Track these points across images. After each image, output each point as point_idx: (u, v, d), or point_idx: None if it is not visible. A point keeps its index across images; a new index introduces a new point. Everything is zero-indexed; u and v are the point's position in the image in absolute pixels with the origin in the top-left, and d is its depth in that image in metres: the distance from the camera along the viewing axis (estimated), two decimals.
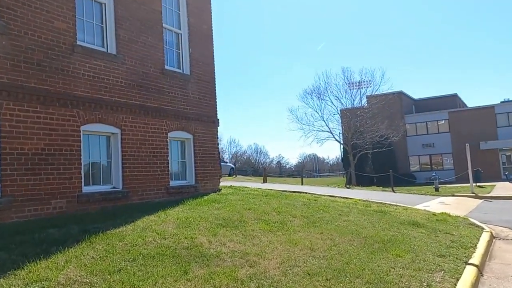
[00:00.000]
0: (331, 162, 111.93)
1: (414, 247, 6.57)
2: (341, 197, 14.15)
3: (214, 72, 11.45)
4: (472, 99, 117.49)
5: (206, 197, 9.41)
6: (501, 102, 39.96)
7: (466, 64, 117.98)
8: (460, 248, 7.05)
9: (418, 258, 5.93)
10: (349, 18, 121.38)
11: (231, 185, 14.31)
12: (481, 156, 35.50)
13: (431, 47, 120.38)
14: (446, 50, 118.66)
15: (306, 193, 14.60)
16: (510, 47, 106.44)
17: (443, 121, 40.78)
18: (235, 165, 31.98)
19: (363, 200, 13.40)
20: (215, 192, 10.51)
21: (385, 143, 35.15)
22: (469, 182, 21.06)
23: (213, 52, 11.48)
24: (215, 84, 11.43)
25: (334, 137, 36.74)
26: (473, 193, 19.37)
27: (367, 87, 36.85)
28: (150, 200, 8.87)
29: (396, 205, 12.72)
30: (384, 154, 37.20)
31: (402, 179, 29.81)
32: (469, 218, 10.99)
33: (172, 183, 9.68)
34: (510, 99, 40.17)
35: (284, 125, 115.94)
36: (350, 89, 36.20)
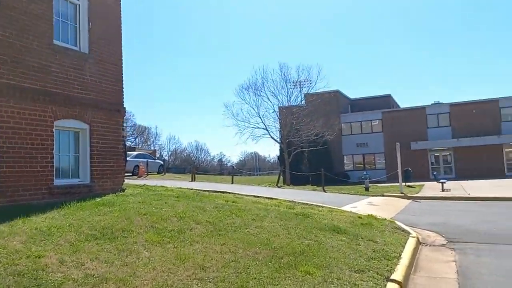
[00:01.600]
0: (272, 160, 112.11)
1: (330, 260, 5.55)
2: (266, 197, 13.13)
3: (121, 53, 9.94)
4: (405, 101, 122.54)
5: (98, 199, 7.92)
6: (432, 104, 41.19)
7: (400, 67, 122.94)
8: (382, 259, 6.16)
9: (331, 276, 4.90)
10: (289, 17, 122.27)
11: (144, 184, 12.83)
12: (411, 156, 36.26)
13: (367, 49, 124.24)
14: (381, 52, 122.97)
15: (229, 193, 13.43)
16: (442, 52, 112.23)
17: (377, 121, 41.38)
18: (164, 162, 30.15)
19: (289, 201, 12.46)
20: (115, 193, 9.03)
21: (320, 142, 34.85)
22: (399, 181, 20.95)
23: (121, 29, 9.97)
24: (122, 67, 9.93)
25: (269, 135, 35.93)
26: (402, 193, 19.20)
27: (303, 87, 36.34)
28: (25, 202, 7.25)
29: (323, 207, 11.88)
30: (319, 153, 36.98)
31: (336, 178, 29.60)
32: (396, 221, 10.32)
33: (58, 181, 8.09)
34: (440, 102, 41.49)
35: (219, 121, 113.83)
36: (287, 86, 35.50)
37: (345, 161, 42.28)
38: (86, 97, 8.77)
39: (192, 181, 22.79)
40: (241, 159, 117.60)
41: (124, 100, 9.93)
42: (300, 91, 36.46)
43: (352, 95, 46.75)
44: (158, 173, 28.62)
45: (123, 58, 9.91)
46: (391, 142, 34.23)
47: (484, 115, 37.14)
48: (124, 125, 9.52)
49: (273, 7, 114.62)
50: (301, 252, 5.73)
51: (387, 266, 5.85)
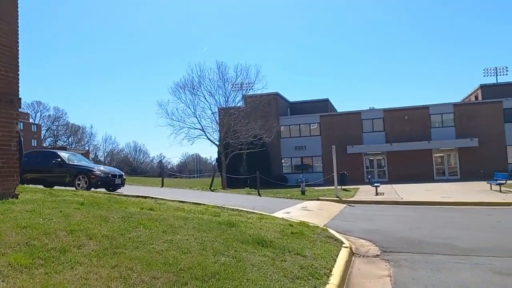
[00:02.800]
0: (214, 162, 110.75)
1: (247, 285, 4.57)
2: (193, 202, 12.00)
3: (17, 34, 8.41)
4: (342, 106, 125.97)
5: None
6: (367, 109, 41.96)
7: (337, 72, 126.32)
8: (310, 278, 5.29)
9: None
10: (228, 19, 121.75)
11: (50, 189, 11.24)
12: (348, 160, 36.62)
13: (306, 52, 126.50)
14: (320, 58, 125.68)
15: (152, 198, 12.14)
16: (376, 58, 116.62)
17: (315, 124, 41.49)
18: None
19: (217, 207, 11.42)
20: (5, 199, 7.50)
21: (258, 144, 34.16)
22: (335, 185, 20.60)
23: (17, 6, 8.43)
24: (17, 50, 8.39)
25: (206, 135, 34.61)
26: (337, 197, 18.83)
27: (241, 89, 35.38)
28: None
29: (253, 213, 10.96)
30: (258, 155, 36.33)
31: (274, 181, 29.01)
32: (329, 229, 9.61)
33: None
34: (375, 107, 42.38)
35: (152, 121, 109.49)
36: (224, 85, 34.41)
37: (283, 164, 42.00)
38: None
39: None
40: (182, 161, 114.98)
41: (20, 90, 8.39)
42: (238, 92, 35.54)
43: (291, 99, 46.68)
44: None
45: (19, 40, 8.38)
46: (328, 146, 34.18)
47: (415, 121, 38.37)
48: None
49: (207, 3, 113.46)
50: (212, 275, 4.69)
51: (315, 287, 4.98)
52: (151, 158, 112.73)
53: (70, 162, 16.01)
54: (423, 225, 11.26)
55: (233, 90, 35.25)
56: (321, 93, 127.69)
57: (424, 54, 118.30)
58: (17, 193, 8.26)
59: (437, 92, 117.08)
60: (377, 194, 20.78)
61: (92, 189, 14.76)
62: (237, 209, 11.32)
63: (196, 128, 34.92)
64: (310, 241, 7.72)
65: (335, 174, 20.54)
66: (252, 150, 34.34)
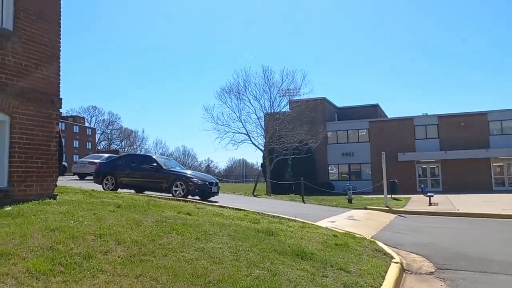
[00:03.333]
0: (259, 168, 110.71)
1: None
2: (233, 208, 11.61)
3: (60, 34, 8.40)
4: (392, 112, 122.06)
5: (8, 208, 6.34)
6: (420, 115, 40.13)
7: (388, 77, 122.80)
8: None
9: None
10: (275, 22, 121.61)
11: (93, 190, 11.24)
12: (398, 168, 35.11)
13: (357, 58, 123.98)
14: (371, 61, 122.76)
15: (191, 201, 11.89)
16: (429, 65, 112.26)
17: (364, 130, 40.19)
18: None
19: (257, 213, 10.97)
20: (43, 199, 7.43)
21: (303, 149, 33.40)
22: (384, 194, 19.56)
23: (60, 5, 8.44)
24: (59, 50, 8.38)
25: (250, 140, 34.26)
26: (387, 206, 17.82)
27: (286, 93, 34.76)
28: None
29: (295, 221, 10.41)
30: (303, 161, 35.61)
31: (319, 188, 28.18)
32: (377, 242, 8.88)
33: None
34: (428, 113, 40.50)
35: (198, 124, 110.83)
36: (270, 90, 33.96)
37: (329, 171, 40.98)
38: (6, 82, 7.19)
39: None
40: (229, 165, 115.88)
41: (60, 90, 8.36)
42: (283, 96, 34.97)
43: (338, 104, 45.58)
44: None
45: (61, 40, 8.36)
46: (377, 153, 32.89)
47: (472, 127, 36.22)
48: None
49: (259, 8, 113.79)
50: None
51: None
52: (199, 162, 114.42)
53: (167, 168, 15.48)
54: (483, 240, 10.23)
55: (278, 95, 34.72)
56: (371, 99, 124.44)
57: (481, 59, 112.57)
58: (56, 193, 8.20)
59: (494, 101, 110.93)
60: (430, 204, 19.54)
61: (190, 196, 14.32)
62: (278, 216, 10.81)
63: (241, 133, 34.70)
64: (356, 254, 7.07)
65: (384, 182, 19.51)
66: (297, 156, 33.64)
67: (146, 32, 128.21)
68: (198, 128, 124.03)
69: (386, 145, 35.22)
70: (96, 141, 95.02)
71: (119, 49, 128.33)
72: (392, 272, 6.41)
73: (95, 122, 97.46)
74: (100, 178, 15.97)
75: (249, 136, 34.29)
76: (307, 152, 34.03)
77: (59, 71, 8.41)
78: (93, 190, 11.11)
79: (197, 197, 14.40)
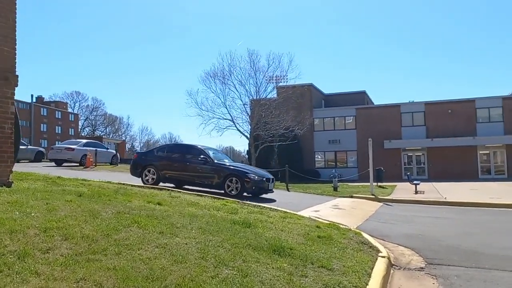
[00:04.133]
0: (245, 155, 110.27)
1: None
2: (212, 196, 10.93)
3: (15, 4, 7.53)
4: (380, 99, 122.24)
5: None
6: (407, 102, 39.73)
7: (373, 65, 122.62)
8: None
9: None
10: (261, 6, 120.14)
11: (59, 177, 10.45)
12: (385, 155, 34.78)
13: (344, 45, 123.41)
14: (357, 47, 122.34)
15: (168, 189, 11.18)
16: (414, 53, 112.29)
17: (351, 117, 39.69)
18: (116, 152, 27.39)
19: (237, 202, 10.32)
20: None
21: (290, 136, 32.76)
22: (370, 181, 19.06)
23: None
24: (14, 21, 7.52)
25: (235, 126, 33.44)
26: (373, 194, 17.33)
27: (272, 79, 33.83)
28: None
29: (277, 210, 9.78)
30: (289, 148, 35.03)
31: (305, 176, 27.65)
32: (362, 233, 8.29)
33: None
34: (415, 101, 40.11)
35: (182, 110, 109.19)
36: (256, 75, 33.04)
37: (316, 158, 40.50)
38: None
39: None
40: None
41: (16, 66, 7.52)
42: (270, 81, 34.12)
43: (326, 91, 44.94)
44: (111, 164, 26.00)
45: (16, 10, 7.49)
46: (364, 140, 32.46)
47: (459, 115, 35.96)
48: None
49: None
50: None
51: None
52: None
53: (218, 161, 13.89)
54: (474, 231, 9.73)
55: (264, 80, 33.83)
56: (358, 86, 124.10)
57: (468, 46, 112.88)
58: (11, 181, 7.41)
59: (482, 87, 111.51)
60: (416, 192, 19.13)
61: (245, 193, 12.97)
62: (260, 206, 10.16)
63: (225, 119, 33.81)
64: (340, 248, 6.45)
65: (370, 169, 19.02)
66: (284, 143, 32.99)
67: (129, 14, 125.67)
68: (181, 114, 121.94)
69: (373, 132, 34.76)
70: (80, 127, 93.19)
71: (103, 33, 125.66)
72: (379, 268, 5.82)
73: (79, 108, 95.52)
74: (139, 170, 14.31)
75: (234, 122, 33.51)
76: (293, 139, 33.41)
77: (15, 45, 7.54)
78: (58, 177, 10.34)
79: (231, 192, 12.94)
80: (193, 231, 5.70)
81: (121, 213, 6.04)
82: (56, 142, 65.50)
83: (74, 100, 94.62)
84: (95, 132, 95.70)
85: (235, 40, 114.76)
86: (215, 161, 13.70)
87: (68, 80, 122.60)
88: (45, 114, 77.58)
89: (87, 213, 5.68)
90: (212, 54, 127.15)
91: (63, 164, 23.76)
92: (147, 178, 13.94)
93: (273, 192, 14.07)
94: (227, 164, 13.95)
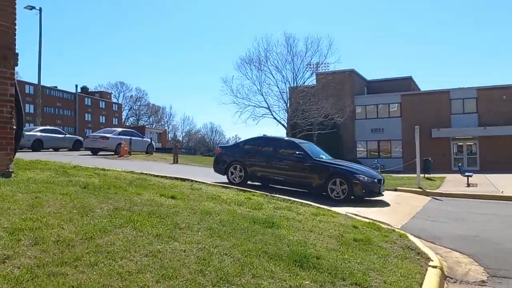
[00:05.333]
0: None
1: None
2: (239, 189, 9.97)
3: None
4: (427, 86, 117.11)
5: None
6: (457, 88, 37.14)
7: (421, 49, 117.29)
8: None
9: None
10: None
11: (75, 166, 9.82)
12: (432, 145, 32.67)
13: (386, 27, 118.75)
14: (402, 31, 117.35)
15: (192, 181, 10.32)
16: (468, 37, 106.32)
17: (395, 104, 37.59)
18: (151, 141, 26.97)
19: (266, 195, 9.31)
20: None
21: (329, 124, 31.30)
22: (417, 173, 17.49)
23: None
24: None
25: (272, 114, 32.30)
26: (420, 187, 15.81)
27: (310, 65, 32.25)
28: None
29: (309, 205, 8.70)
30: (329, 137, 33.57)
31: None
32: (408, 235, 7.08)
33: None
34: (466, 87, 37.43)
35: (216, 98, 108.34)
36: (293, 60, 31.70)
37: (357, 148, 38.75)
38: None
39: (174, 163, 19.76)
40: None
41: (16, 43, 6.83)
42: (308, 67, 32.62)
43: (368, 77, 42.88)
44: (147, 152, 25.66)
45: None
46: (410, 129, 30.48)
47: None
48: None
49: None
50: None
51: None
52: (226, 139, 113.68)
53: (318, 158, 11.98)
54: None
55: (302, 65, 32.39)
56: (403, 72, 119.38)
57: None
58: (11, 170, 6.75)
59: None
60: (468, 185, 17.38)
61: (352, 197, 11.04)
62: (290, 200, 9.10)
63: (261, 107, 32.73)
64: (380, 256, 5.31)
65: (417, 159, 17.43)
66: (322, 132, 31.56)
67: (167, 2, 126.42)
68: (216, 102, 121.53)
69: (419, 120, 32.58)
70: (124, 117, 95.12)
71: (143, 23, 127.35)
72: (430, 282, 4.66)
73: (123, 98, 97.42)
74: (224, 166, 12.66)
75: (270, 110, 32.38)
76: (333, 127, 31.93)
77: (15, 19, 6.83)
78: (75, 166, 9.69)
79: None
80: (199, 233, 4.74)
81: (119, 209, 5.18)
82: None
83: (118, 91, 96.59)
84: (139, 122, 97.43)
85: (271, 23, 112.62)
86: (314, 158, 11.77)
87: (113, 71, 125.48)
88: (89, 104, 79.49)
89: (77, 210, 4.85)
90: (248, 38, 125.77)
91: (99, 153, 23.61)
92: (233, 176, 12.31)
93: (383, 195, 11.91)
94: (329, 161, 12.02)
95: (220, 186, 10.10)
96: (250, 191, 9.57)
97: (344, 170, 11.34)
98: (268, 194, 9.53)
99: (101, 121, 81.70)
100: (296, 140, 12.59)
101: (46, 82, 59.03)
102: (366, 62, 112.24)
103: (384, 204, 11.25)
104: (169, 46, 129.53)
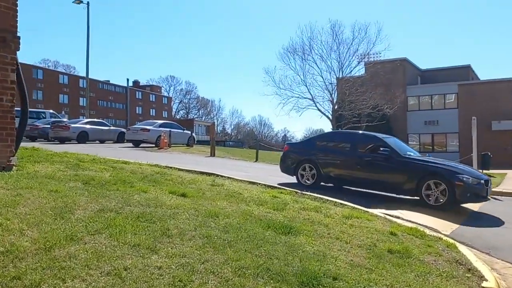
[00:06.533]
0: None
1: None
2: (265, 184, 9.09)
3: None
4: (487, 75, 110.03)
5: None
6: None
7: (480, 35, 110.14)
8: None
9: None
10: None
11: (93, 158, 9.34)
12: (492, 138, 30.11)
13: (442, 15, 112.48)
14: (459, 18, 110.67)
15: (217, 175, 9.57)
16: None
17: (452, 95, 35.06)
18: (191, 133, 26.57)
19: (295, 193, 8.37)
20: None
21: (377, 116, 29.56)
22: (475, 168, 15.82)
23: None
24: None
25: (315, 106, 30.95)
26: None
27: (357, 54, 30.47)
28: None
29: (343, 205, 7.68)
30: (378, 129, 31.65)
31: None
32: (458, 245, 5.91)
33: None
34: None
35: (255, 88, 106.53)
36: (338, 48, 30.15)
37: (409, 141, 36.58)
38: None
39: (210, 156, 19.19)
40: (306, 135, 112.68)
41: (18, 26, 6.34)
42: (354, 55, 30.91)
43: (422, 67, 40.34)
44: (187, 145, 25.37)
45: None
46: (467, 121, 28.09)
47: None
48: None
49: None
50: None
51: None
52: (275, 132, 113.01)
53: (407, 155, 10.12)
54: None
55: (348, 54, 30.76)
56: (461, 61, 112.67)
57: None
58: (12, 163, 6.28)
59: None
60: None
61: (459, 203, 9.47)
62: (321, 199, 8.12)
63: (305, 98, 31.44)
64: (419, 274, 4.27)
65: (474, 154, 15.78)
66: (370, 124, 29.87)
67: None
68: (258, 93, 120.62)
69: (478, 112, 30.00)
70: (174, 110, 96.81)
71: (193, 17, 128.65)
72: None
73: (173, 92, 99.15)
74: (293, 166, 11.14)
75: (314, 101, 31.05)
76: (381, 119, 30.14)
77: (16, 1, 6.33)
78: (93, 159, 9.20)
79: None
80: (191, 242, 3.93)
81: (106, 210, 4.48)
82: None
83: (169, 84, 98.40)
84: (189, 115, 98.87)
85: (315, 10, 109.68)
86: (403, 154, 10.03)
87: (164, 65, 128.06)
88: (140, 97, 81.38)
89: (55, 211, 4.20)
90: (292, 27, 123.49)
91: (141, 145, 23.57)
92: (303, 177, 10.80)
93: (490, 199, 10.04)
94: (422, 159, 10.19)
95: (247, 181, 9.26)
96: (280, 188, 8.68)
97: (444, 170, 9.38)
98: (298, 191, 8.59)
99: (151, 114, 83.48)
100: (379, 135, 10.99)
101: (99, 76, 60.97)
102: (419, 50, 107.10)
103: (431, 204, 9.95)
104: (217, 38, 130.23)
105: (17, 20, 6.35)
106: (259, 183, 9.15)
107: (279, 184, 9.63)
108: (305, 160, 10.97)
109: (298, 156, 11.34)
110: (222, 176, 9.60)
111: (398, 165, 9.70)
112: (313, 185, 10.36)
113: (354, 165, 10.29)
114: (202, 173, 9.74)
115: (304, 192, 8.49)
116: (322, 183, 10.70)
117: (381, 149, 9.97)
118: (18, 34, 6.36)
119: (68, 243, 3.44)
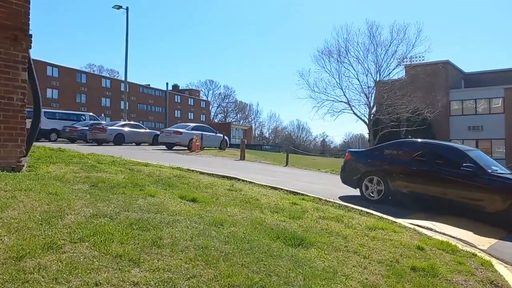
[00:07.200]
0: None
1: None
2: (288, 190, 8.64)
3: None
4: None
5: None
6: None
7: None
8: None
9: None
10: None
11: (113, 160, 9.18)
12: None
13: (486, 15, 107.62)
14: (503, 18, 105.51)
15: (239, 180, 9.21)
16: None
17: (498, 99, 33.21)
18: (223, 136, 26.35)
19: (319, 200, 7.88)
20: None
21: (416, 120, 28.29)
22: None
23: None
24: None
25: (351, 109, 29.94)
26: None
27: (397, 56, 29.23)
28: None
29: (369, 214, 7.14)
30: (418, 135, 30.52)
31: None
32: (495, 263, 5.25)
33: None
34: None
35: (292, 92, 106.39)
36: (375, 50, 29.08)
37: None
38: None
39: (240, 159, 18.87)
40: (346, 140, 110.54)
41: (30, 24, 6.24)
42: (393, 57, 29.72)
43: (466, 70, 38.50)
44: (220, 148, 25.23)
45: None
46: None
47: None
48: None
49: None
50: None
51: None
52: (313, 137, 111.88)
53: (493, 172, 8.68)
54: None
55: (386, 56, 29.61)
56: (507, 63, 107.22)
57: None
58: (22, 164, 6.15)
59: None
60: None
61: None
62: (347, 207, 7.59)
63: (340, 101, 30.54)
64: None
65: None
66: (409, 129, 28.62)
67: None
68: (291, 96, 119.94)
69: None
70: (212, 114, 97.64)
71: (231, 21, 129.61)
72: None
73: (212, 96, 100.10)
74: (356, 177, 10.10)
75: (349, 104, 30.10)
76: (421, 124, 28.84)
77: None
78: (113, 161, 9.03)
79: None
80: (182, 254, 3.55)
81: (99, 216, 4.18)
82: None
83: (207, 88, 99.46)
84: (227, 119, 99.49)
85: (352, 10, 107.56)
86: (490, 171, 8.61)
87: (203, 69, 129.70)
88: (178, 101, 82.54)
89: (44, 215, 3.94)
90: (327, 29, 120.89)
91: (174, 148, 23.63)
92: (368, 191, 9.73)
93: None
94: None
95: (269, 187, 8.84)
96: (302, 195, 8.20)
97: None
98: (322, 198, 8.09)
99: (189, 117, 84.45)
100: (461, 147, 9.74)
101: (141, 80, 62.21)
102: (462, 53, 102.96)
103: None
104: (254, 42, 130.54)
105: (29, 18, 6.24)
106: (281, 189, 8.72)
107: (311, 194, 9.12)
108: (370, 171, 9.91)
109: (362, 166, 10.27)
110: (243, 180, 9.24)
111: (484, 183, 8.34)
112: (380, 200, 9.41)
113: (429, 181, 9.06)
114: (223, 176, 9.41)
115: (328, 200, 7.98)
116: (396, 198, 9.47)
117: (464, 164, 8.60)
118: (30, 32, 6.25)
119: (44, 252, 3.15)
